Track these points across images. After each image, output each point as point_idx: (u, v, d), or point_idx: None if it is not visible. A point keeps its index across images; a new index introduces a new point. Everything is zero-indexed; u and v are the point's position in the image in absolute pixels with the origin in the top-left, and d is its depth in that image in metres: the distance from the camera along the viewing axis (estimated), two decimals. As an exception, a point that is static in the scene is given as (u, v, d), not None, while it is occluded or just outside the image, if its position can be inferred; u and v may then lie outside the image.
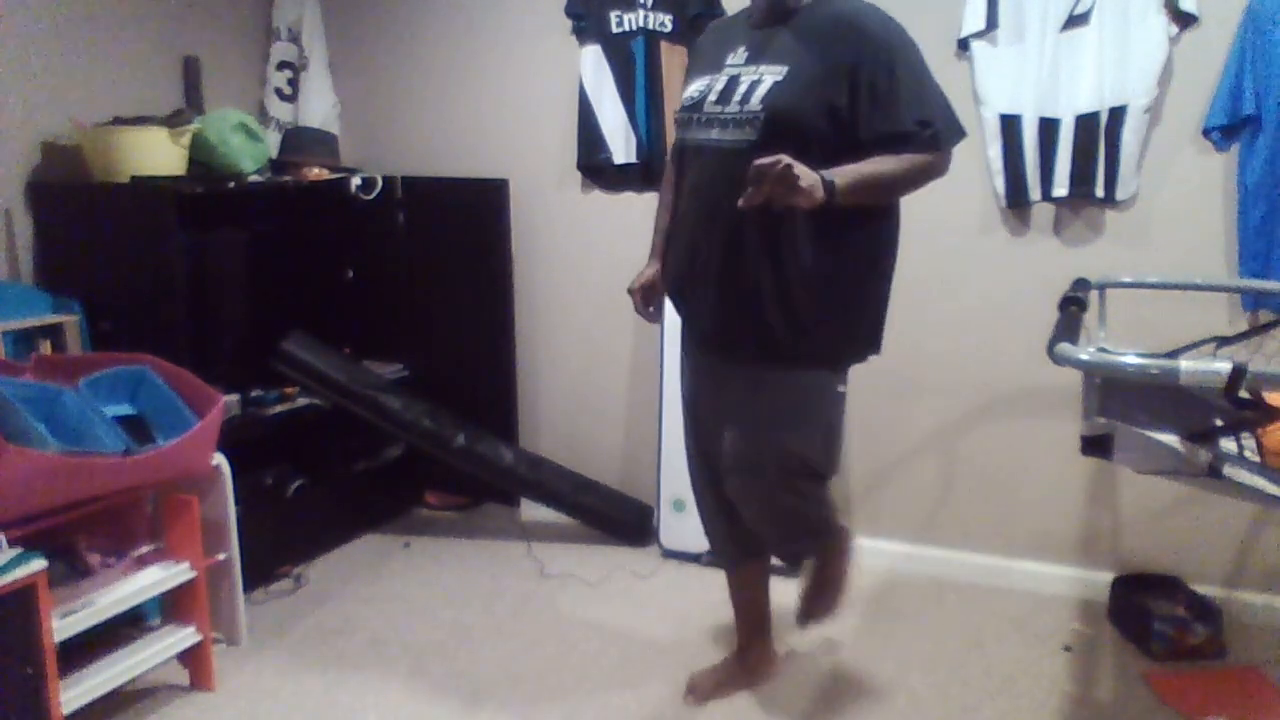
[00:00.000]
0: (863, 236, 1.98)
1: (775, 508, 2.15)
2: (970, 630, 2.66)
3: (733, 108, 1.94)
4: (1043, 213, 2.75)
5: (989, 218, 2.81)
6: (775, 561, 2.42)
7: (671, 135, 3.08)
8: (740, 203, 1.79)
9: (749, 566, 2.37)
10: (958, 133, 1.96)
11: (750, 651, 2.42)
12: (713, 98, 1.98)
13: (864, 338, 2.08)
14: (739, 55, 1.99)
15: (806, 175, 1.74)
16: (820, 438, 2.09)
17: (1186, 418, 1.64)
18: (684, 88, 2.12)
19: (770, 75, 1.91)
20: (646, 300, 2.30)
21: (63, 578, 2.14)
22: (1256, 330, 2.24)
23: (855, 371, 3.01)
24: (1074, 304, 2.02)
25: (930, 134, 1.88)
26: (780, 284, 1.95)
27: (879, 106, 1.86)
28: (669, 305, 2.26)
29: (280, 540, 3.02)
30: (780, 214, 1.85)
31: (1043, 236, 2.76)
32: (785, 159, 1.73)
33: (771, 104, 1.88)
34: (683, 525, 3.13)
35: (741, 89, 1.93)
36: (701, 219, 2.04)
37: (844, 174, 1.81)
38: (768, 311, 1.97)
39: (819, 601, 2.29)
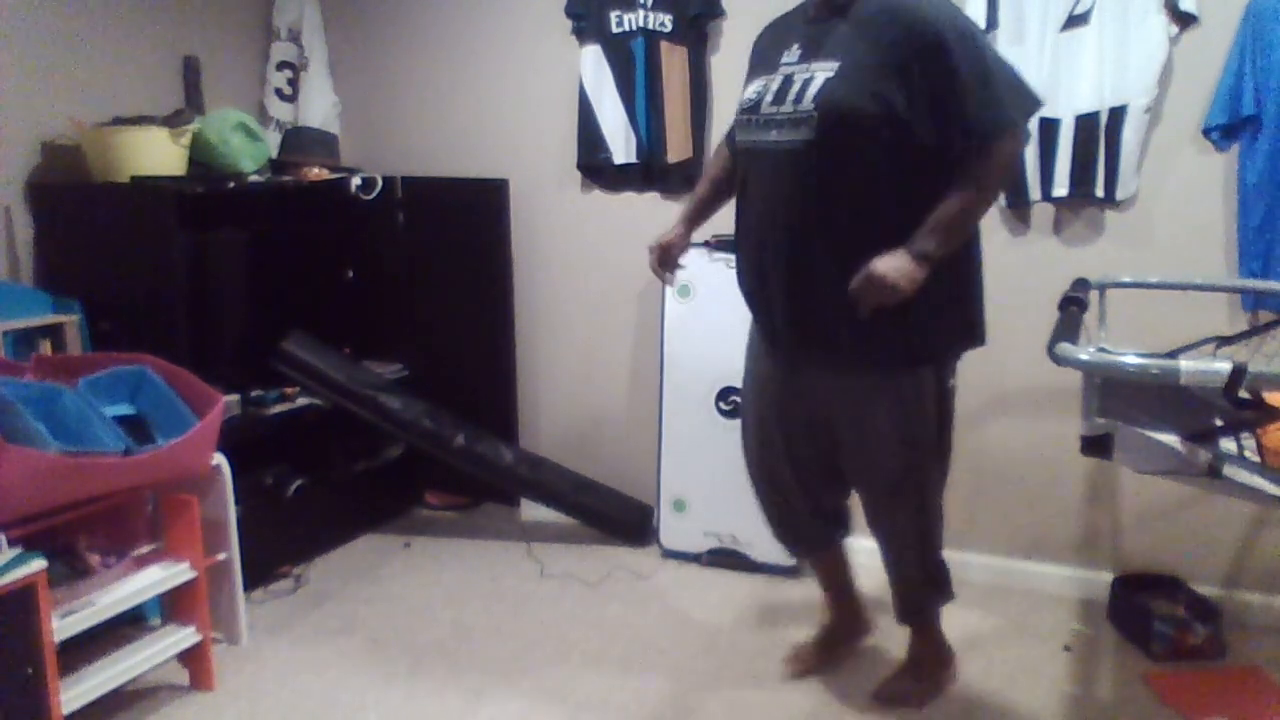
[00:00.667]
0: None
1: (916, 528, 2.16)
2: (970, 630, 2.65)
3: (788, 108, 1.90)
4: (1043, 213, 2.75)
5: (989, 218, 2.80)
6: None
7: (672, 136, 3.12)
8: (859, 312, 1.84)
9: (826, 553, 2.43)
10: (1031, 104, 1.89)
11: (843, 623, 2.49)
12: (769, 99, 1.96)
13: (957, 329, 2.04)
14: (793, 53, 1.97)
15: (895, 273, 1.78)
16: (926, 440, 2.06)
17: (1186, 418, 1.64)
18: (743, 89, 2.10)
19: (823, 72, 1.87)
20: (662, 260, 2.29)
21: (63, 578, 2.14)
22: (1256, 330, 2.24)
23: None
24: (1074, 304, 2.02)
25: (994, 122, 1.81)
26: (845, 288, 1.89)
27: (940, 103, 1.80)
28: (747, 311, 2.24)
29: (280, 540, 3.02)
30: (847, 219, 1.85)
31: (1043, 236, 2.76)
32: (879, 270, 1.78)
33: (824, 101, 1.84)
34: (683, 525, 3.13)
35: (795, 88, 1.90)
36: (766, 223, 2.01)
37: (932, 236, 1.81)
38: (834, 317, 1.93)
39: (908, 683, 2.33)
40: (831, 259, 1.90)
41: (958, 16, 1.86)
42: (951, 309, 2.01)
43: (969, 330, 2.07)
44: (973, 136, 1.82)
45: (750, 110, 2.01)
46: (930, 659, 2.35)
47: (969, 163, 1.83)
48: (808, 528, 2.35)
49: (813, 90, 1.87)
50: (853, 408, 2.06)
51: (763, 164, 2.00)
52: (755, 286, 2.09)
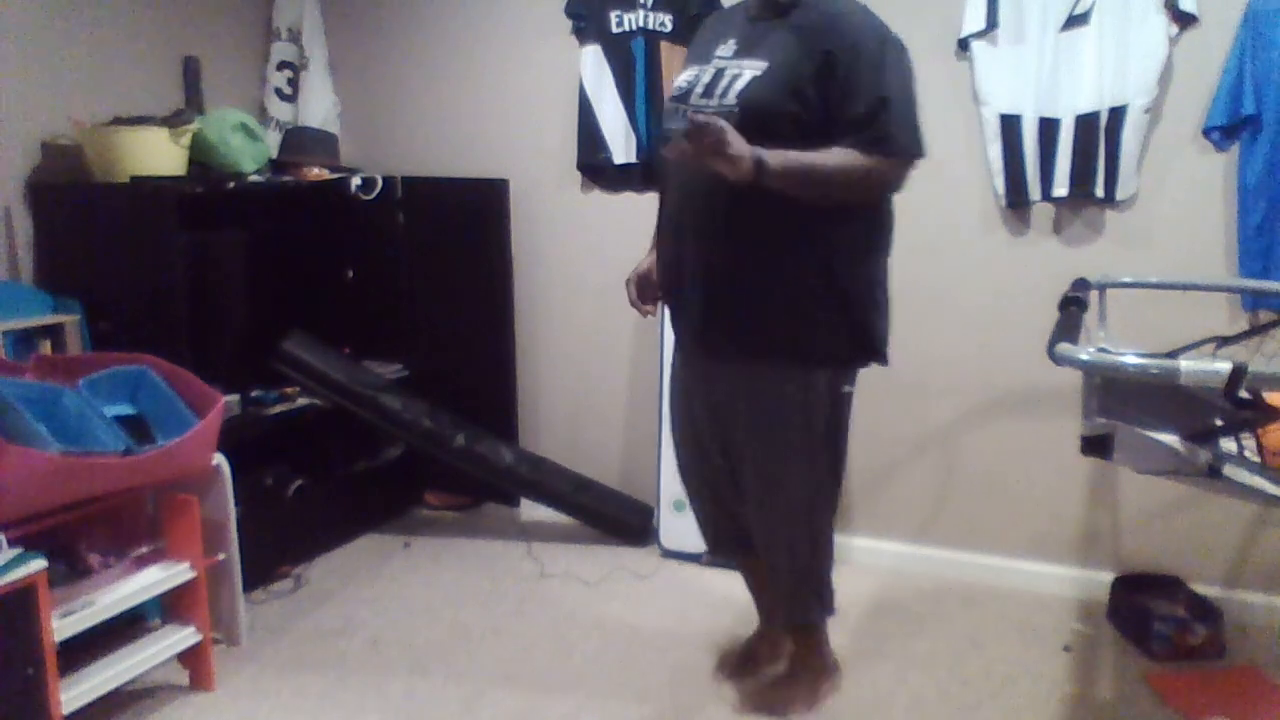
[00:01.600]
0: (846, 234, 1.97)
1: (787, 532, 2.15)
2: (970, 630, 2.65)
3: (714, 102, 1.94)
4: (1043, 213, 2.75)
5: (989, 218, 2.81)
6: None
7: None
8: (664, 151, 1.83)
9: (753, 558, 2.35)
10: (917, 148, 1.93)
11: (773, 630, 2.43)
12: (699, 90, 1.99)
13: (852, 338, 2.04)
14: (728, 47, 2.00)
15: (737, 144, 1.76)
16: (808, 442, 2.07)
17: (1186, 418, 1.64)
18: (676, 76, 2.12)
19: (750, 71, 1.92)
20: (640, 292, 2.25)
21: (63, 578, 2.14)
22: (1256, 330, 2.24)
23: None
24: (1074, 304, 2.02)
25: (883, 132, 1.85)
26: (756, 279, 1.96)
27: (845, 97, 1.86)
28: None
29: (280, 540, 3.02)
30: (760, 210, 1.88)
31: (1043, 236, 2.76)
32: (722, 123, 1.75)
33: (745, 100, 1.89)
34: (683, 525, 3.12)
35: (724, 83, 1.94)
36: (684, 212, 2.05)
37: (779, 155, 1.80)
38: (746, 308, 1.98)
39: (783, 691, 2.31)
40: (742, 252, 1.95)
41: (890, 45, 1.92)
42: (843, 320, 2.01)
43: (865, 345, 2.06)
44: (856, 131, 1.87)
45: (680, 99, 2.03)
46: (809, 669, 2.31)
47: (864, 151, 1.86)
48: (738, 530, 2.28)
49: (738, 87, 1.92)
50: (743, 399, 2.08)
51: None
52: (672, 277, 2.11)
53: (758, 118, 1.87)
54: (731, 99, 1.91)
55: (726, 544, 2.38)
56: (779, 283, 1.96)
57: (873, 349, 2.08)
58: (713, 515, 2.33)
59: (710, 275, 2.01)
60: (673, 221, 2.09)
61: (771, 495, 2.13)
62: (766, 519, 2.17)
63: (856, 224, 1.99)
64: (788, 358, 2.02)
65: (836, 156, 1.86)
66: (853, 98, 1.86)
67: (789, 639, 2.37)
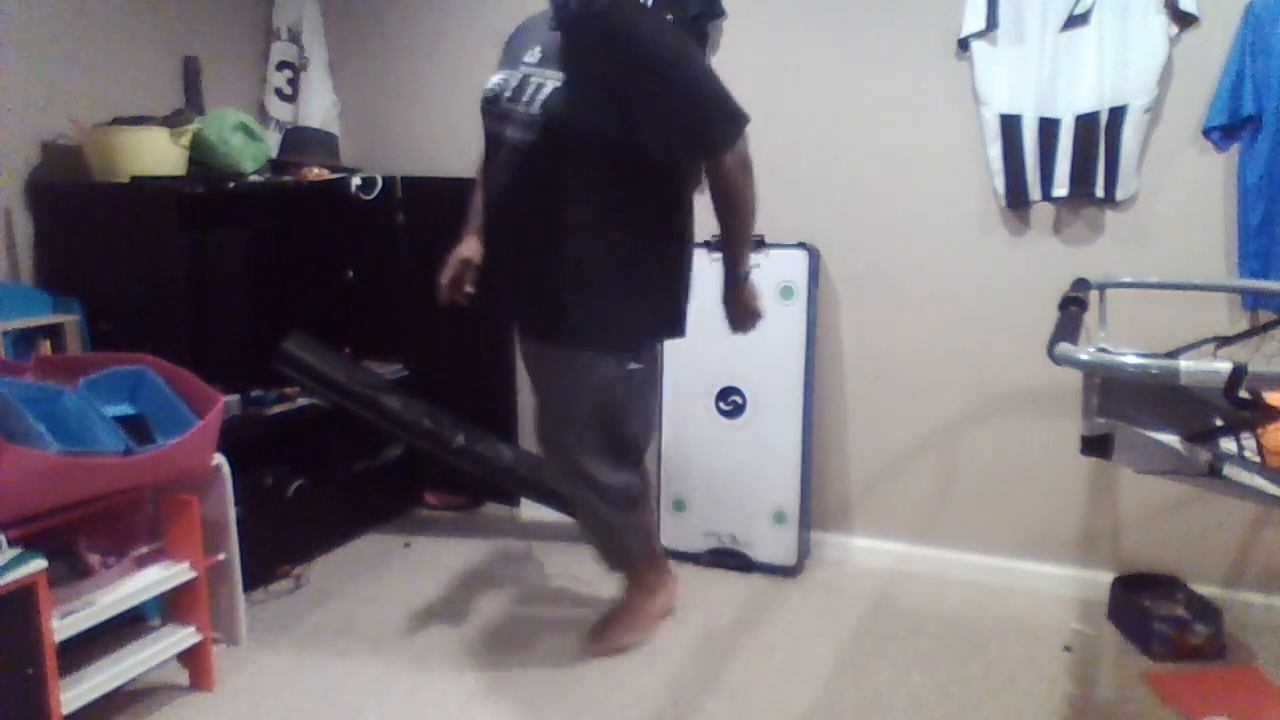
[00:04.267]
0: (641, 223, 2.15)
1: (575, 492, 2.40)
2: (970, 630, 2.66)
3: (521, 108, 2.06)
4: (1043, 213, 2.75)
5: (989, 218, 2.81)
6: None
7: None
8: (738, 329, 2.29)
9: None
10: (740, 121, 2.07)
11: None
12: (508, 94, 2.10)
13: (647, 320, 2.25)
14: (534, 54, 2.11)
15: (755, 304, 2.27)
16: (596, 412, 2.25)
17: (1186, 418, 1.64)
18: (489, 77, 2.22)
19: (551, 80, 2.04)
20: (457, 279, 2.36)
21: (63, 578, 2.14)
22: (1256, 330, 2.24)
23: (858, 372, 3.04)
24: (1074, 304, 2.02)
25: (712, 142, 2.04)
26: (562, 266, 2.12)
27: (655, 118, 2.00)
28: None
29: (280, 540, 3.02)
30: (561, 214, 2.05)
31: (1043, 236, 2.76)
32: (754, 310, 2.29)
33: (548, 109, 2.01)
34: (683, 525, 3.13)
35: (530, 90, 2.06)
36: (501, 206, 2.17)
37: (741, 256, 2.19)
38: (546, 296, 2.14)
39: (610, 628, 2.55)
40: (548, 246, 2.11)
41: (667, 39, 2.05)
42: (644, 300, 2.21)
43: (664, 322, 2.29)
44: (697, 154, 2.07)
45: (492, 101, 2.16)
46: (629, 602, 2.57)
47: (711, 181, 2.09)
48: None
49: (542, 96, 2.03)
50: (544, 372, 2.29)
51: (499, 154, 2.15)
52: (495, 264, 2.26)
53: (559, 128, 2.01)
54: (536, 109, 2.04)
55: None
56: (576, 269, 2.13)
57: (670, 327, 2.30)
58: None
59: (523, 266, 2.17)
60: (491, 212, 2.22)
61: (558, 458, 2.39)
62: (570, 486, 2.43)
63: (648, 214, 2.17)
64: (583, 340, 2.18)
65: (728, 206, 2.10)
66: (661, 106, 2.01)
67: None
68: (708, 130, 2.04)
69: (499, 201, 2.18)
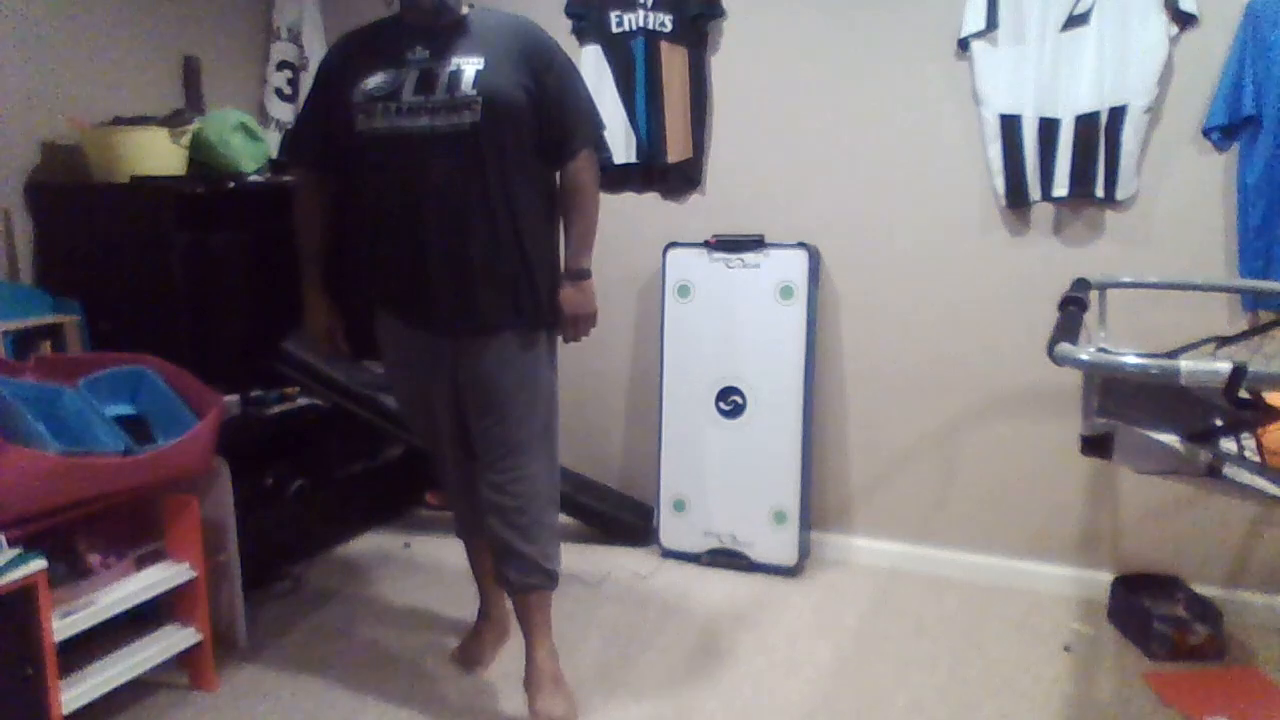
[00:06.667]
0: (551, 193, 2.21)
1: (526, 498, 2.20)
2: (970, 630, 2.66)
3: (441, 96, 2.04)
4: (1043, 213, 2.75)
5: (989, 218, 2.81)
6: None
7: (672, 136, 3.11)
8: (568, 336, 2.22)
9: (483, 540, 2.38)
10: (602, 128, 2.25)
11: (495, 612, 2.53)
12: (410, 87, 2.06)
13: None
14: (419, 52, 2.08)
15: (587, 301, 2.21)
16: (553, 409, 2.25)
17: (1186, 418, 1.64)
18: (348, 83, 2.11)
19: (470, 65, 2.05)
20: (333, 345, 2.44)
21: (63, 578, 2.14)
22: (1256, 330, 2.24)
23: (858, 371, 3.04)
24: (1074, 304, 2.02)
25: (580, 140, 2.14)
26: (520, 246, 2.12)
27: (555, 112, 2.11)
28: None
29: (280, 540, 3.02)
30: (503, 192, 2.07)
31: (1043, 236, 2.76)
32: (579, 314, 2.21)
33: (485, 88, 2.02)
34: (683, 525, 3.13)
35: (444, 79, 2.04)
36: (420, 203, 2.08)
37: (584, 253, 2.20)
38: (488, 283, 2.10)
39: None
40: (489, 230, 2.08)
41: (558, 47, 2.17)
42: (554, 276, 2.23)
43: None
44: (564, 148, 2.13)
45: (387, 99, 2.07)
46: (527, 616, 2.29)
47: (568, 176, 2.16)
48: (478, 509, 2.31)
49: (468, 78, 2.03)
50: (492, 365, 2.16)
51: (407, 149, 2.07)
52: (406, 270, 2.15)
53: (500, 104, 2.03)
54: (468, 89, 2.02)
55: (471, 522, 2.45)
56: (533, 241, 2.15)
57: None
58: (471, 496, 2.32)
59: (460, 259, 2.09)
60: (400, 217, 2.12)
61: (520, 457, 2.22)
62: (519, 480, 2.24)
63: (550, 185, 2.21)
64: (529, 324, 2.17)
65: (577, 205, 2.18)
66: (565, 118, 2.12)
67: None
68: (586, 122, 2.17)
69: (417, 203, 2.07)
